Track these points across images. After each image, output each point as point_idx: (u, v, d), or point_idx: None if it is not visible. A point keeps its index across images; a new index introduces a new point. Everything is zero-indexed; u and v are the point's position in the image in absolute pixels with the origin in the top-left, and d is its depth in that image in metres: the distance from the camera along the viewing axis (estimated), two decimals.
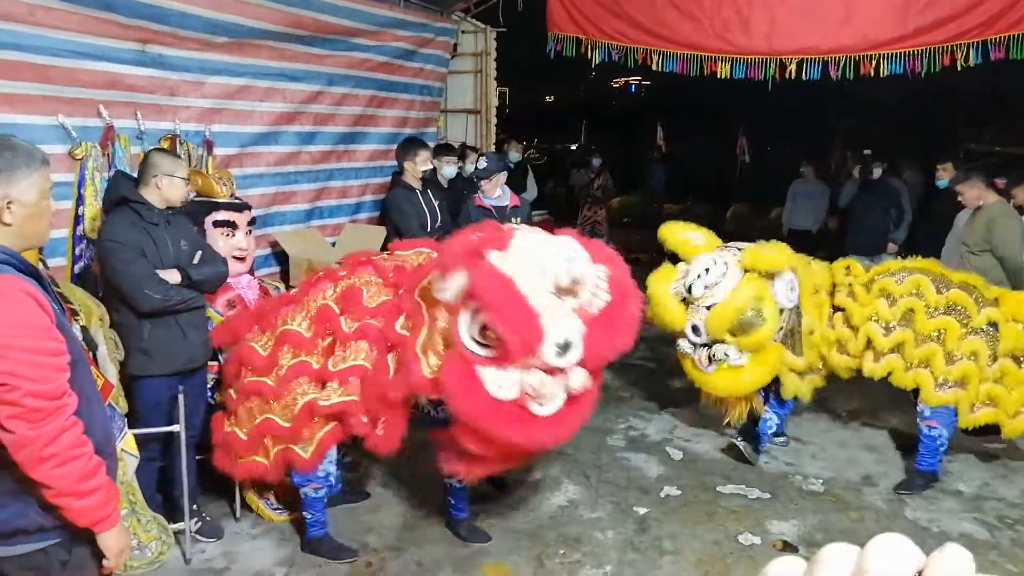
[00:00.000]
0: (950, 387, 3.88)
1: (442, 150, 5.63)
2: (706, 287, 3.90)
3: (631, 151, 14.96)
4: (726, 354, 3.92)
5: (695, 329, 3.96)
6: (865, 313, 4.00)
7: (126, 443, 2.93)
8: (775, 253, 3.88)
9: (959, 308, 3.88)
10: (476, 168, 4.77)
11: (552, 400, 2.65)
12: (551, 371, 2.62)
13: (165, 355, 3.20)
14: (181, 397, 3.16)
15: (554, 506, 3.88)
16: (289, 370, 3.10)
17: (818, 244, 7.54)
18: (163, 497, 3.48)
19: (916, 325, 3.89)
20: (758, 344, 3.86)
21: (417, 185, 4.88)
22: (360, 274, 3.21)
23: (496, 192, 4.71)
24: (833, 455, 4.54)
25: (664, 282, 4.06)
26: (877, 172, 7.11)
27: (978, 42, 5.04)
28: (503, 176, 4.75)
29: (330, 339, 3.12)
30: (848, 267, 4.21)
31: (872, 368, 4.02)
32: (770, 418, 4.33)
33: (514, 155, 7.71)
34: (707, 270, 3.94)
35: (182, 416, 3.18)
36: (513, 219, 4.55)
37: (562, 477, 4.17)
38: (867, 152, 7.69)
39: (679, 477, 4.22)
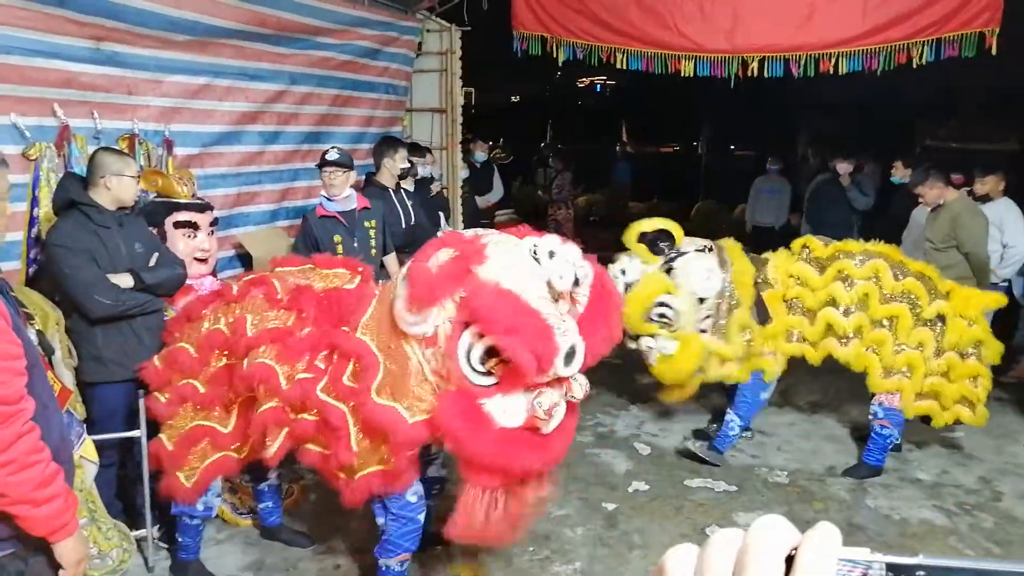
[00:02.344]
0: (896, 375, 3.98)
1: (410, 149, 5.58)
2: (627, 286, 3.96)
3: (597, 150, 15.06)
4: (649, 346, 3.98)
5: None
6: (820, 298, 4.05)
7: (85, 449, 2.86)
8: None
9: (912, 297, 3.97)
10: (324, 157, 4.15)
11: (559, 414, 2.40)
12: (552, 383, 2.35)
13: (120, 362, 3.11)
14: (142, 402, 3.09)
15: None
16: (176, 391, 2.90)
17: (782, 240, 7.61)
18: (124, 504, 3.41)
19: (870, 310, 3.97)
20: (681, 334, 3.91)
21: (391, 184, 4.83)
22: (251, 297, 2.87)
23: (344, 192, 4.14)
24: (797, 447, 4.62)
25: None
26: (843, 168, 7.19)
27: (932, 40, 5.16)
28: (352, 176, 4.21)
29: (225, 361, 2.84)
30: (805, 244, 4.25)
31: (839, 352, 4.07)
32: (732, 420, 4.34)
33: (480, 155, 7.71)
34: (623, 271, 4.01)
35: (143, 422, 3.11)
36: (366, 223, 4.20)
37: None
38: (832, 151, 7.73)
39: (647, 472, 4.26)
